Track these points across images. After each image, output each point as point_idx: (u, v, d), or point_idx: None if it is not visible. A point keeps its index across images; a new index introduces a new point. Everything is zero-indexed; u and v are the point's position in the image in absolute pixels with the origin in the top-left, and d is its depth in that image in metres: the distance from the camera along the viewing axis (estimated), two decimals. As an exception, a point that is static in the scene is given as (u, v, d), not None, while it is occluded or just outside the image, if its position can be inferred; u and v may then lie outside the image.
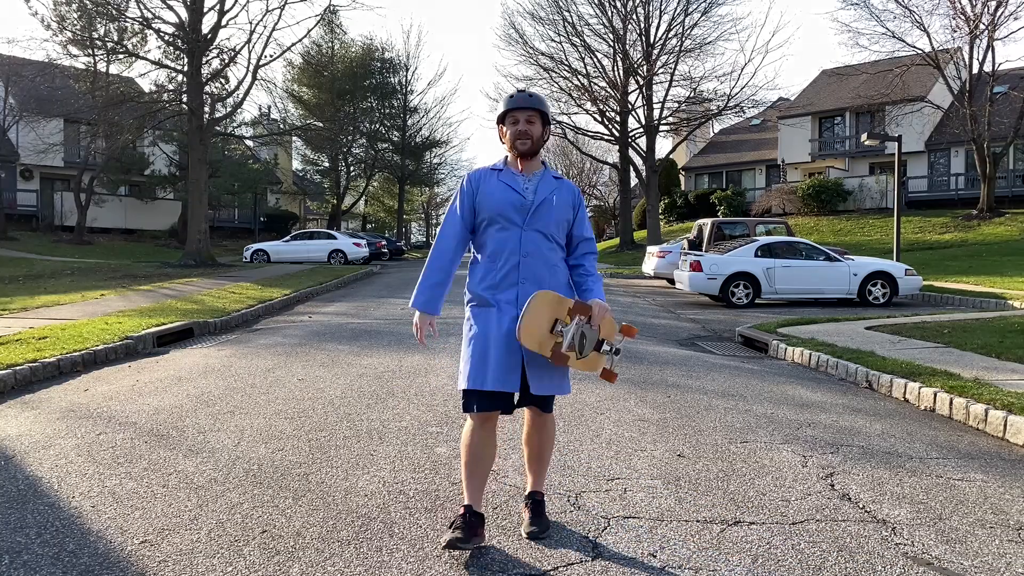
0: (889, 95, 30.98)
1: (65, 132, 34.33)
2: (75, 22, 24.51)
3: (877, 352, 7.59)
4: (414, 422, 5.05)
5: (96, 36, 24.96)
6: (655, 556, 3.01)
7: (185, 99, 23.92)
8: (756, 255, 14.70)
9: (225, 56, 24.37)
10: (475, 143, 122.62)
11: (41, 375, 6.66)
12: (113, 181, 34.49)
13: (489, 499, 3.56)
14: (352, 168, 47.50)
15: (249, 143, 39.20)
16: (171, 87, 25.35)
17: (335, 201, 46.71)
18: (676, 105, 34.66)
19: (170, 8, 23.18)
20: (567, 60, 34.60)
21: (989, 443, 4.84)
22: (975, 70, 28.69)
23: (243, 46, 24.68)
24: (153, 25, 23.51)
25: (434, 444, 4.54)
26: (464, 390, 3.08)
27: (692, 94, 34.22)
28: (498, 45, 71.58)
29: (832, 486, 3.88)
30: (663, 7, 33.84)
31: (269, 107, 41.85)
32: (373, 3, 68.83)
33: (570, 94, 35.03)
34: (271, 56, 41.24)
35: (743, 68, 57.87)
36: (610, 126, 34.84)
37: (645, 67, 33.62)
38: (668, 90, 33.93)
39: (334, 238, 29.15)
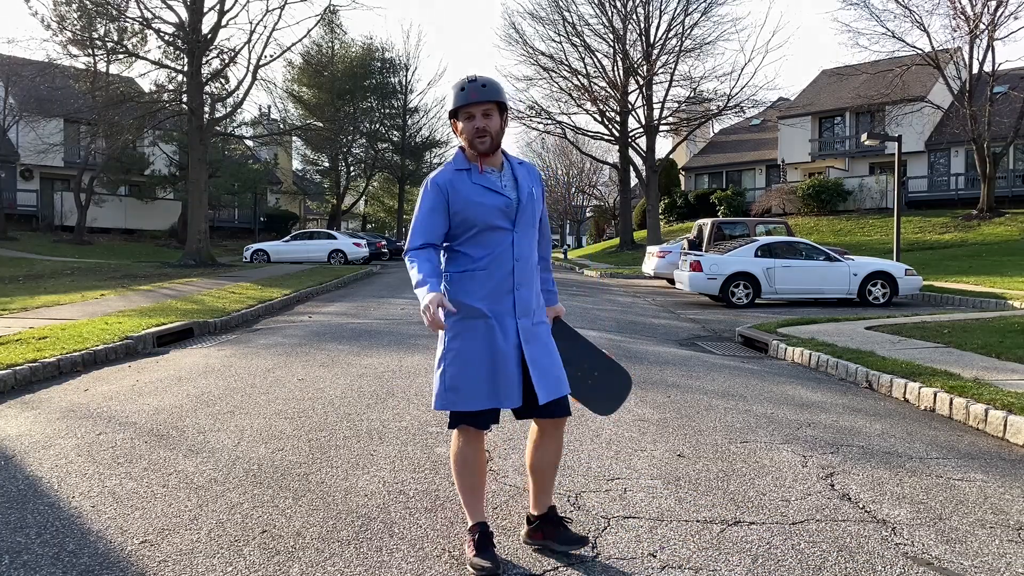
0: (889, 95, 30.98)
1: (65, 132, 34.35)
2: (75, 22, 24.53)
3: (877, 352, 7.59)
4: (414, 422, 5.05)
5: (96, 36, 24.98)
6: (655, 556, 3.01)
7: (185, 99, 23.92)
8: (756, 255, 14.70)
9: (225, 56, 24.39)
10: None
11: (41, 375, 6.66)
12: (113, 181, 34.52)
13: (489, 499, 3.56)
14: (352, 168, 47.52)
15: (249, 143, 39.20)
16: (171, 87, 25.36)
17: (335, 201, 46.72)
18: (676, 105, 34.68)
19: (170, 8, 23.20)
20: (567, 60, 34.64)
21: (989, 443, 4.84)
22: (975, 70, 28.69)
23: (243, 46, 24.73)
24: (153, 25, 23.53)
25: (434, 444, 4.54)
26: (455, 412, 2.88)
27: (692, 94, 34.24)
28: (498, 45, 71.73)
29: (832, 486, 3.88)
30: (663, 7, 33.90)
31: (269, 107, 41.94)
32: (373, 3, 68.98)
33: (570, 94, 35.05)
34: (271, 56, 41.33)
35: (743, 68, 58.09)
36: (610, 126, 34.85)
37: (645, 67, 33.62)
38: (668, 90, 33.97)
39: (334, 238, 29.17)
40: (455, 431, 2.97)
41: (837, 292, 14.61)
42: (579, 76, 34.36)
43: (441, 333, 2.92)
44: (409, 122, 47.78)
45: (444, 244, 2.96)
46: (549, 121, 35.89)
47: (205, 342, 9.08)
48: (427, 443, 4.57)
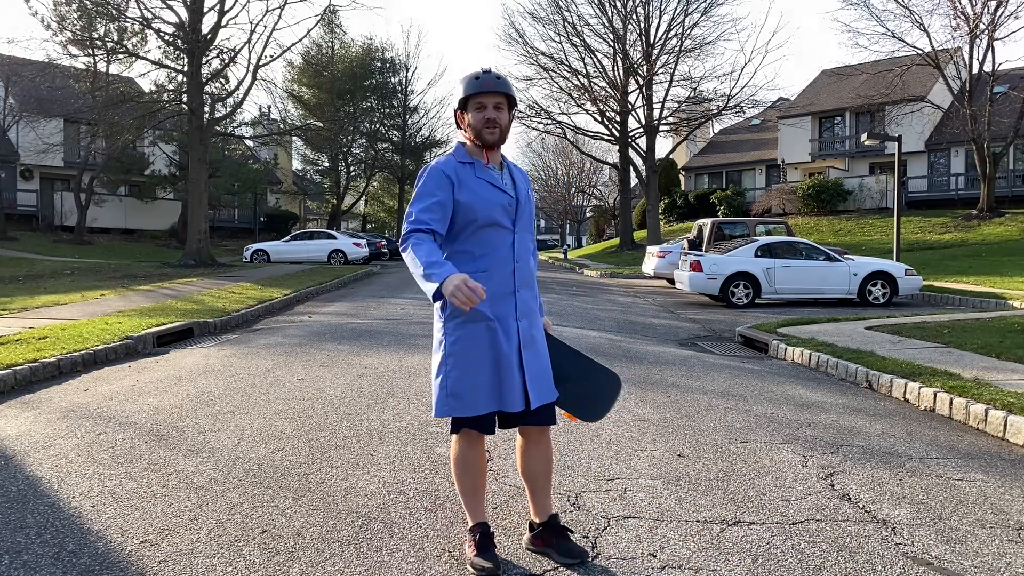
0: (889, 95, 30.97)
1: (65, 132, 34.35)
2: (75, 22, 24.52)
3: (877, 352, 7.59)
4: (414, 422, 5.05)
5: (96, 36, 24.97)
6: (655, 556, 3.01)
7: (185, 99, 23.92)
8: (756, 255, 14.70)
9: (225, 56, 24.39)
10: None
11: (41, 375, 6.66)
12: (113, 181, 34.51)
13: (489, 499, 3.55)
14: (352, 168, 47.51)
15: (249, 143, 39.20)
16: (171, 87, 25.36)
17: (335, 201, 46.72)
18: (676, 105, 34.68)
19: (170, 8, 23.20)
20: (567, 60, 34.65)
21: (989, 443, 4.84)
22: (975, 70, 28.69)
23: (243, 46, 24.71)
24: (153, 25, 23.53)
25: (434, 444, 4.54)
26: (457, 417, 2.82)
27: (692, 94, 34.24)
28: (498, 45, 71.74)
29: (832, 486, 3.88)
30: (663, 7, 33.91)
31: (269, 107, 41.93)
32: (373, 3, 68.93)
33: (570, 94, 35.05)
34: (271, 56, 41.31)
35: (743, 68, 58.14)
36: (610, 126, 34.85)
37: (645, 67, 33.63)
38: (668, 90, 33.98)
39: (334, 238, 29.16)
40: (456, 435, 2.94)
41: (837, 292, 14.61)
42: (579, 76, 34.37)
43: (440, 337, 2.86)
44: (409, 122, 47.76)
45: (443, 242, 2.84)
46: (549, 121, 35.90)
47: (205, 342, 9.08)
48: (427, 443, 4.57)
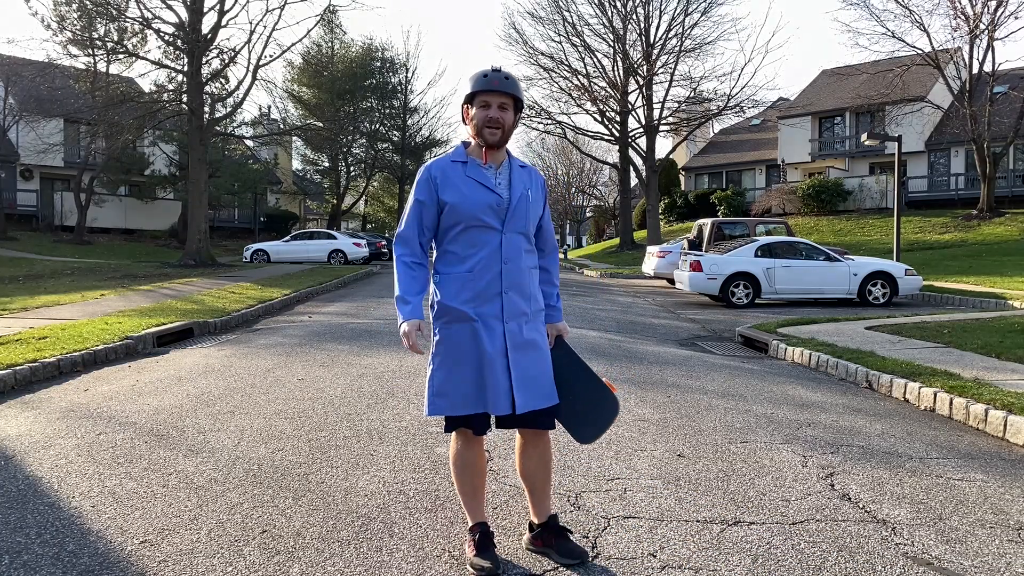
0: (889, 95, 30.98)
1: (65, 132, 34.34)
2: (75, 22, 24.53)
3: (877, 352, 7.59)
4: (414, 422, 5.05)
5: (96, 36, 24.98)
6: (655, 556, 3.01)
7: (185, 99, 23.92)
8: (756, 255, 14.70)
9: (225, 56, 24.39)
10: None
11: (41, 375, 6.66)
12: (113, 181, 34.51)
13: (489, 499, 3.55)
14: (352, 168, 47.52)
15: (249, 143, 39.20)
16: (171, 87, 25.36)
17: (335, 201, 46.72)
18: (676, 105, 34.69)
19: (170, 8, 23.19)
20: (567, 60, 34.66)
21: (989, 443, 4.84)
22: (975, 70, 28.70)
23: (243, 46, 24.71)
24: (153, 25, 23.52)
25: (434, 444, 4.54)
26: (448, 416, 2.84)
27: (692, 94, 34.25)
28: (498, 45, 71.73)
29: (832, 486, 3.88)
30: (663, 7, 33.95)
31: (269, 107, 42.00)
32: (373, 3, 68.88)
33: (570, 94, 35.05)
34: (271, 56, 41.50)
35: (743, 68, 58.35)
36: (610, 126, 34.86)
37: (645, 67, 33.63)
38: (668, 90, 34.00)
39: (334, 238, 29.16)
40: (453, 434, 2.94)
41: (837, 292, 14.61)
42: (579, 76, 34.37)
43: (431, 336, 2.89)
44: (409, 122, 47.79)
45: (433, 242, 2.92)
46: (549, 121, 35.92)
47: (205, 342, 9.08)
48: (427, 443, 4.56)
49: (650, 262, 20.26)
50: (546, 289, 3.05)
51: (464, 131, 2.95)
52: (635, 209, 40.40)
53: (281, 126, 40.39)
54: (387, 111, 46.80)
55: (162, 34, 23.85)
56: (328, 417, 5.19)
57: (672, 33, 33.41)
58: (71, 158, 34.84)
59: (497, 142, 2.81)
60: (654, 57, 33.43)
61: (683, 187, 43.91)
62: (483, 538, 2.89)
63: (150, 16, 23.28)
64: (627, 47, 33.83)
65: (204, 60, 23.74)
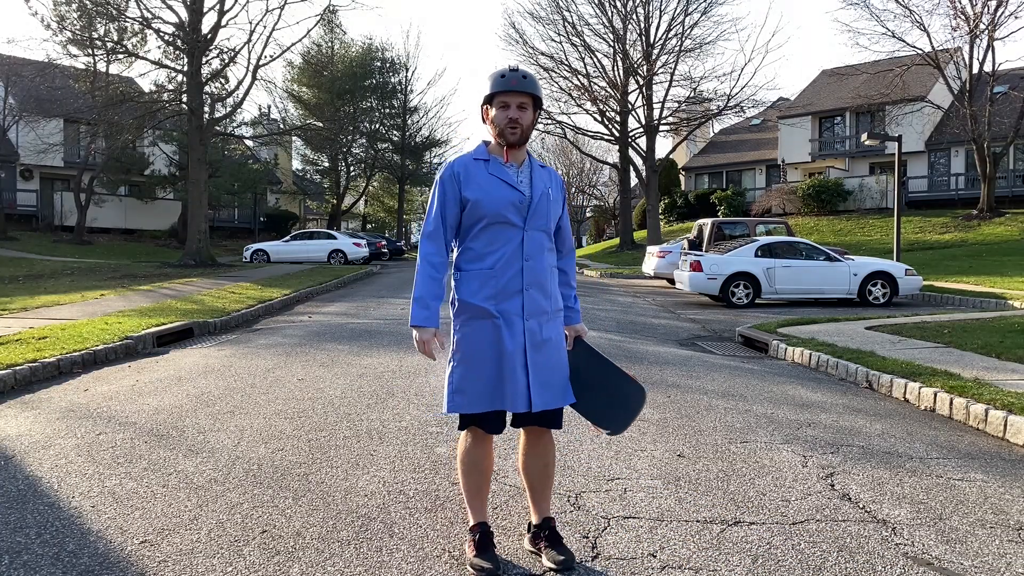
0: (889, 95, 30.98)
1: (65, 132, 34.35)
2: (75, 22, 24.55)
3: (877, 352, 7.59)
4: (414, 422, 5.05)
5: (96, 36, 25.00)
6: (655, 556, 3.00)
7: (185, 99, 23.93)
8: (756, 255, 14.70)
9: (225, 56, 24.40)
10: (475, 143, 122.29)
11: (41, 375, 6.66)
12: (113, 181, 34.51)
13: (489, 499, 3.54)
14: (352, 168, 47.53)
15: (249, 143, 39.20)
16: (171, 87, 25.37)
17: (335, 201, 46.73)
18: (676, 105, 34.67)
19: (170, 8, 23.21)
20: (567, 60, 34.63)
21: (989, 443, 4.84)
22: (975, 70, 28.70)
23: (243, 46, 24.70)
24: (153, 25, 23.54)
25: (434, 444, 4.54)
26: (462, 414, 2.83)
27: (692, 94, 34.23)
28: (498, 45, 71.75)
29: (832, 486, 3.88)
30: (663, 7, 33.89)
31: (269, 107, 41.96)
32: (373, 3, 68.81)
33: (570, 94, 35.03)
34: (271, 56, 41.36)
35: (743, 68, 58.28)
36: (610, 126, 34.85)
37: (645, 67, 33.62)
38: (668, 90, 33.97)
39: (334, 238, 29.17)
40: (464, 432, 2.93)
41: (837, 292, 14.61)
42: (579, 76, 34.35)
43: (451, 333, 2.90)
44: (409, 122, 47.80)
45: (455, 239, 2.92)
46: (549, 121, 35.86)
47: (205, 342, 9.08)
48: (427, 443, 4.56)
49: (650, 262, 20.26)
50: (564, 291, 3.05)
51: (480, 132, 2.99)
52: (635, 209, 40.39)
53: (281, 126, 40.38)
54: (387, 111, 46.81)
55: (162, 34, 23.87)
56: (328, 417, 5.19)
57: (672, 33, 33.41)
58: (71, 158, 34.84)
59: (517, 141, 2.84)
60: (654, 57, 33.42)
61: (683, 187, 43.90)
62: (483, 538, 2.89)
63: (150, 16, 23.31)
64: (627, 47, 33.82)
65: (204, 60, 23.75)
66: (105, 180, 34.01)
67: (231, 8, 23.29)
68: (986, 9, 27.39)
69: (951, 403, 5.55)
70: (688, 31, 33.28)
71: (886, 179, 33.44)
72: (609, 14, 33.74)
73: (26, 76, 29.52)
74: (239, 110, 29.15)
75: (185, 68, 23.77)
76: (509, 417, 2.95)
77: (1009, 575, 2.90)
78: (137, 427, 4.96)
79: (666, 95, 34.02)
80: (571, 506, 3.54)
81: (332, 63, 42.99)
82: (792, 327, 9.93)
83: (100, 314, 10.60)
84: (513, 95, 2.81)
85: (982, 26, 27.46)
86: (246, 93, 24.98)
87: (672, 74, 33.66)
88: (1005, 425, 4.96)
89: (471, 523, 2.97)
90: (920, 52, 29.41)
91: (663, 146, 54.95)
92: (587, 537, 3.18)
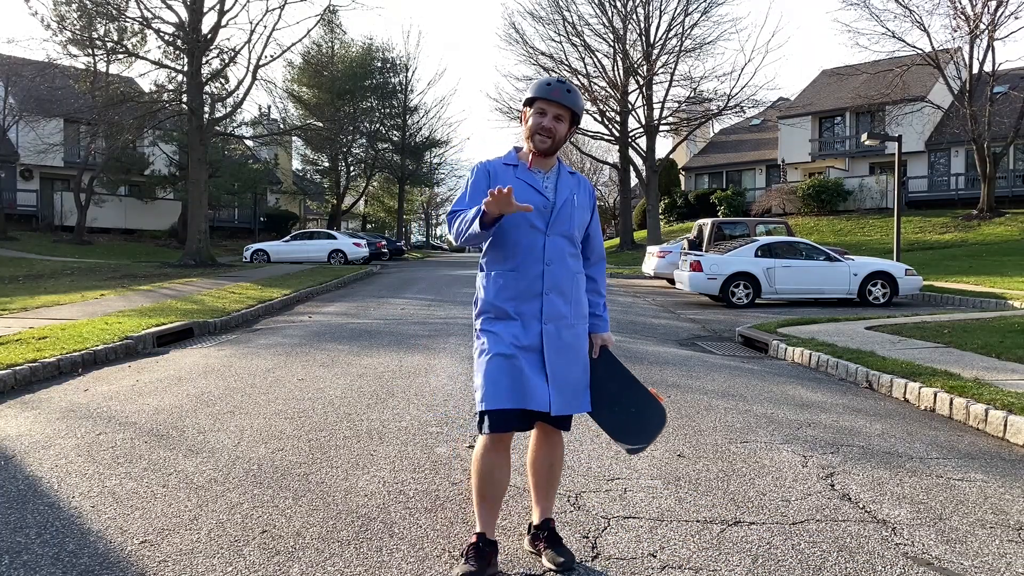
0: (889, 95, 30.98)
1: (65, 132, 34.34)
2: (75, 22, 24.52)
3: (877, 352, 7.59)
4: (414, 422, 5.05)
5: (96, 36, 24.97)
6: (655, 556, 3.00)
7: (185, 99, 23.92)
8: (756, 255, 14.70)
9: (225, 56, 24.39)
10: (475, 143, 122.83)
11: (41, 375, 6.66)
12: (113, 181, 34.50)
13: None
14: (352, 168, 47.51)
15: (249, 143, 39.18)
16: (171, 87, 25.36)
17: (335, 201, 46.71)
18: (676, 105, 34.68)
19: (170, 8, 23.20)
20: (567, 60, 34.64)
21: (989, 443, 4.84)
22: (975, 70, 28.70)
23: (243, 46, 24.72)
24: (153, 25, 23.52)
25: (434, 444, 4.54)
26: (484, 411, 2.76)
27: (692, 94, 34.24)
28: (499, 45, 71.71)
29: (832, 486, 3.88)
30: (663, 7, 33.90)
31: (269, 107, 41.97)
32: (373, 3, 68.82)
33: (570, 94, 34.99)
34: (271, 56, 41.39)
35: (743, 68, 58.32)
36: (610, 126, 34.85)
37: (645, 67, 33.63)
38: (668, 90, 33.98)
39: (334, 238, 29.16)
40: (481, 437, 2.85)
41: (837, 292, 14.61)
42: (579, 76, 34.34)
43: (474, 335, 2.94)
44: (409, 122, 47.79)
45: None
46: (549, 121, 35.85)
47: (205, 342, 9.08)
48: (427, 443, 4.57)
49: (650, 262, 20.25)
50: (592, 299, 3.05)
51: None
52: (635, 209, 40.39)
53: (281, 126, 40.34)
54: (387, 111, 46.78)
55: (162, 34, 23.86)
56: (328, 417, 5.19)
57: (672, 33, 33.43)
58: (71, 158, 34.83)
59: (546, 149, 2.88)
60: (654, 57, 33.42)
61: (683, 187, 43.91)
62: (475, 550, 2.81)
63: (150, 16, 23.30)
64: (627, 47, 33.82)
65: (204, 60, 23.74)
66: (105, 180, 34.00)
67: (231, 8, 23.29)
68: (986, 9, 27.41)
69: (951, 403, 5.55)
70: (688, 31, 33.32)
71: (886, 179, 33.44)
72: (609, 14, 33.75)
73: (26, 76, 29.50)
74: (239, 110, 29.17)
75: (185, 68, 23.76)
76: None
77: (1009, 575, 2.90)
78: (137, 427, 4.96)
79: (666, 95, 34.05)
80: (571, 506, 3.54)
81: (332, 63, 42.97)
82: (792, 327, 9.93)
83: (100, 314, 10.60)
84: (553, 105, 2.85)
85: (982, 26, 27.47)
86: (246, 93, 24.98)
87: (672, 74, 33.70)
88: (1005, 425, 4.96)
89: (477, 529, 2.89)
90: (920, 52, 29.42)
91: (663, 146, 55.04)
92: (587, 537, 3.18)
